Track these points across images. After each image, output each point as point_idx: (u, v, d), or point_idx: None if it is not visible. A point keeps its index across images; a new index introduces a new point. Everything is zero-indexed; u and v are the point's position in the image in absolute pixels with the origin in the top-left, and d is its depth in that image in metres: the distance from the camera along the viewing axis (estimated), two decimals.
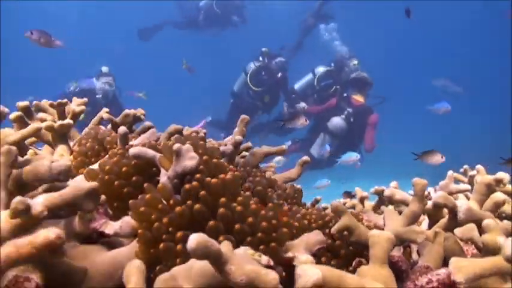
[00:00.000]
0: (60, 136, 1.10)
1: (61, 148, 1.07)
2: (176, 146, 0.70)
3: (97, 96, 5.07)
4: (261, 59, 5.41)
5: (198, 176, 0.69)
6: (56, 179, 0.62)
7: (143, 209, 0.64)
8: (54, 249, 0.46)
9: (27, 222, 0.51)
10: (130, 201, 0.66)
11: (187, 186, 0.67)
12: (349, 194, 1.81)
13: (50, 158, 0.66)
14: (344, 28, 6.27)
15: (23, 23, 12.09)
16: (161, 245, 0.62)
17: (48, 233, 0.46)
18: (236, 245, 0.64)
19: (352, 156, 3.97)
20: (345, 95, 5.03)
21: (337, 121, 4.98)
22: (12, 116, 1.06)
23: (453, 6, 12.11)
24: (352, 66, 5.18)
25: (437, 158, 2.18)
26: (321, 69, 5.38)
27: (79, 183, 0.58)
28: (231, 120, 5.67)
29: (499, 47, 11.70)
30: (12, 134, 0.70)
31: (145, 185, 0.68)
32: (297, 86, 5.46)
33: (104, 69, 5.31)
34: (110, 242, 0.74)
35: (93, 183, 0.58)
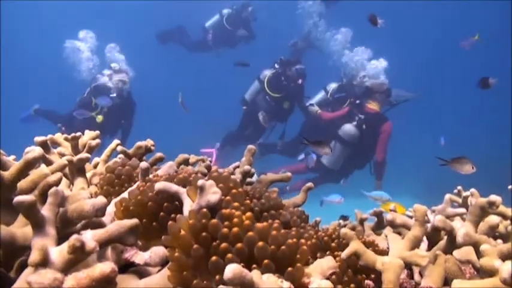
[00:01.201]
0: (78, 169, 1.17)
1: (80, 181, 1.14)
2: (200, 182, 0.77)
3: (111, 95, 5.04)
4: (276, 66, 5.34)
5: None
6: (95, 216, 0.69)
7: (184, 233, 0.70)
8: (108, 281, 0.53)
9: (79, 257, 0.58)
10: (170, 222, 0.72)
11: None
12: (345, 218, 1.89)
13: (87, 196, 0.72)
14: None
15: (23, 23, 12.10)
16: (213, 258, 0.67)
17: (103, 267, 0.52)
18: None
19: (383, 196, 3.79)
20: (358, 101, 4.90)
21: (348, 128, 4.84)
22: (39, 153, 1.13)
23: (455, 7, 12.12)
24: (360, 79, 5.10)
25: (468, 168, 2.07)
26: (332, 86, 5.33)
27: (122, 221, 0.64)
28: (244, 128, 5.66)
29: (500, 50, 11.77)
30: (49, 173, 0.77)
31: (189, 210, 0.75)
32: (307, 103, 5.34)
33: (114, 65, 5.25)
34: (138, 271, 0.81)
35: (135, 220, 0.65)
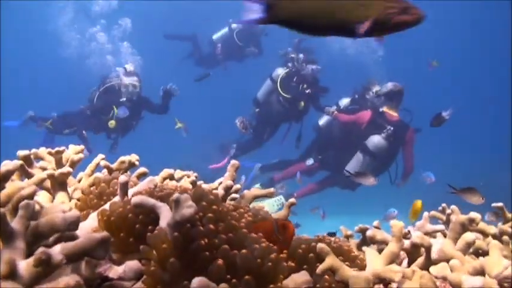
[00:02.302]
0: (60, 183, 1.17)
1: (61, 195, 1.14)
2: (175, 196, 0.77)
3: (121, 100, 4.94)
4: (290, 64, 5.13)
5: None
6: (67, 229, 0.69)
7: (165, 245, 0.70)
8: None
9: (46, 270, 0.58)
10: (148, 234, 0.72)
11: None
12: (332, 234, 1.91)
13: (61, 209, 0.72)
14: None
15: (23, 23, 12.01)
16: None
17: (68, 280, 0.53)
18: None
19: (389, 213, 3.62)
20: (381, 110, 4.63)
21: (378, 140, 4.53)
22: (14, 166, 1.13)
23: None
24: (373, 93, 4.83)
25: (477, 199, 2.07)
26: (344, 101, 5.08)
27: (92, 234, 0.65)
28: (261, 132, 5.43)
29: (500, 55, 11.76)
30: (24, 186, 0.77)
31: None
32: (321, 122, 5.13)
33: (128, 67, 5.14)
34: (112, 286, 0.80)
35: (105, 233, 0.65)
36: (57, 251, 0.59)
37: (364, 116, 4.69)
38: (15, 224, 0.62)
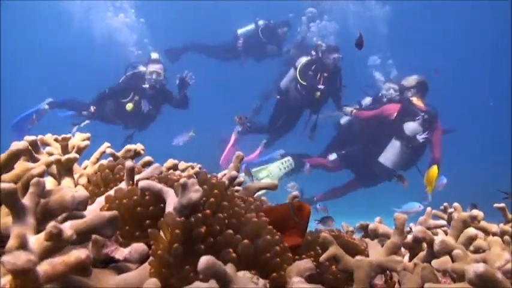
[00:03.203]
0: (66, 169, 1.18)
1: (67, 181, 1.15)
2: (182, 180, 0.78)
3: (144, 86, 4.98)
4: (313, 53, 5.17)
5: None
6: (76, 208, 0.70)
7: (178, 231, 0.71)
8: (83, 267, 0.54)
9: (56, 245, 0.59)
10: (160, 220, 0.73)
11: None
12: (329, 218, 1.96)
13: (71, 189, 0.73)
14: None
15: (24, 23, 11.98)
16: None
17: (79, 253, 0.54)
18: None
19: (414, 207, 3.54)
20: (412, 98, 4.69)
21: (414, 126, 4.54)
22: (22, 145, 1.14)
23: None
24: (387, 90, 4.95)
25: None
26: (367, 100, 5.18)
27: (101, 212, 0.66)
28: (276, 118, 5.49)
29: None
30: (35, 166, 0.78)
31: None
32: (342, 121, 5.22)
33: (154, 55, 5.16)
34: (118, 267, 0.81)
35: (114, 212, 0.66)
36: (68, 226, 0.60)
37: (390, 108, 4.72)
38: (26, 200, 0.63)
